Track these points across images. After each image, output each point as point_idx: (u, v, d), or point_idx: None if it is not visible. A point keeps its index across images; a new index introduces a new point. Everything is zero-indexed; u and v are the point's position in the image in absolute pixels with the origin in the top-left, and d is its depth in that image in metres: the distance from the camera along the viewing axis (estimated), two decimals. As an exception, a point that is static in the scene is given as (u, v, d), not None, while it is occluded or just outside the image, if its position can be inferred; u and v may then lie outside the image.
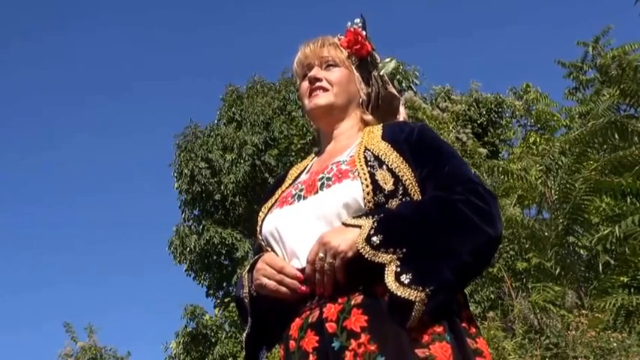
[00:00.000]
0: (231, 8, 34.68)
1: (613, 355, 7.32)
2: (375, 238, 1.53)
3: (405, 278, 1.49)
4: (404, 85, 15.92)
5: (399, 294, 1.49)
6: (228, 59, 33.70)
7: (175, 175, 16.69)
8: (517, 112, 16.04)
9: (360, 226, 1.57)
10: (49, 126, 33.07)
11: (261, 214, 1.85)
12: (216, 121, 17.63)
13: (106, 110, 32.55)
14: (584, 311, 8.35)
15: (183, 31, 34.93)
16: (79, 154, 32.41)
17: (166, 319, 36.89)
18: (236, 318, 15.03)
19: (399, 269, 1.51)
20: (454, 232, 1.56)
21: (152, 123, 33.12)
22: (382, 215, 1.59)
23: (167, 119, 31.42)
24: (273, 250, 1.75)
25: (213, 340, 15.07)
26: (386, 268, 1.52)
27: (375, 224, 1.56)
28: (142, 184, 32.63)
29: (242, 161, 16.29)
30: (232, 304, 14.90)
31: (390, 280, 1.50)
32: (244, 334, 1.82)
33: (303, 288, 1.64)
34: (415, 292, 1.48)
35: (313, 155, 1.98)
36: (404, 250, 1.52)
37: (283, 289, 1.65)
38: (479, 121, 15.47)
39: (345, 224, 1.61)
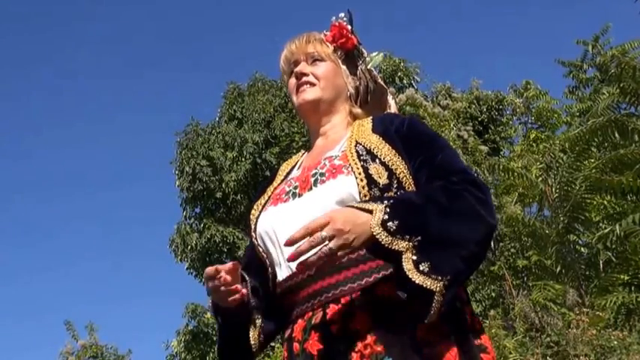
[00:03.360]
0: (232, 6, 34.67)
1: (613, 353, 7.34)
2: (391, 224, 1.45)
3: (424, 267, 1.44)
4: (405, 82, 15.92)
5: (418, 283, 1.43)
6: (230, 56, 33.69)
7: (176, 172, 16.68)
8: (517, 110, 16.04)
9: (370, 211, 1.48)
10: (51, 125, 33.05)
11: (254, 211, 1.83)
12: (217, 119, 17.63)
13: (106, 109, 32.57)
14: (584, 309, 8.37)
15: (184, 28, 34.93)
16: (80, 152, 32.42)
17: (167, 317, 36.98)
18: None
19: (415, 257, 1.44)
20: (464, 221, 1.52)
21: (153, 121, 33.12)
22: (392, 201, 1.52)
23: (168, 117, 31.41)
24: (267, 249, 1.74)
25: (214, 339, 15.06)
26: (403, 256, 1.45)
27: (388, 209, 1.47)
28: (143, 181, 32.62)
29: (243, 159, 16.29)
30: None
31: (409, 267, 1.44)
32: (216, 347, 1.82)
33: (241, 289, 1.64)
34: (435, 282, 1.43)
35: (303, 151, 1.97)
36: (419, 238, 1.46)
37: (226, 298, 1.65)
38: (479, 119, 15.47)
39: (354, 207, 1.51)
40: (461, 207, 1.53)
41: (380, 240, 1.45)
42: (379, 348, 1.49)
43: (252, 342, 1.75)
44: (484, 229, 1.54)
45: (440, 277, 1.43)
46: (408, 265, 1.44)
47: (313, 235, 1.43)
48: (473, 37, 34.71)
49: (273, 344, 13.24)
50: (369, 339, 1.51)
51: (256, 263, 1.79)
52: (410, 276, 1.43)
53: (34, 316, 29.58)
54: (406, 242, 1.45)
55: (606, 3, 30.69)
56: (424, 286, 1.43)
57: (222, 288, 1.63)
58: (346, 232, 1.44)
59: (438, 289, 1.43)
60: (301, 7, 35.38)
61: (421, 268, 1.44)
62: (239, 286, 1.66)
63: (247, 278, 1.75)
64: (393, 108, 2.01)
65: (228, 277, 1.64)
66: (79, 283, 31.15)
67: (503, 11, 33.80)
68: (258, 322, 1.76)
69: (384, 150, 1.68)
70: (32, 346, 27.77)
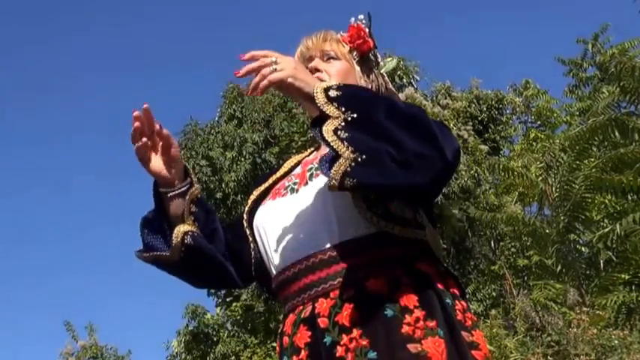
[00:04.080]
0: (231, 4, 34.68)
1: (614, 352, 7.34)
2: (332, 92, 1.50)
3: (343, 134, 1.43)
4: (404, 81, 15.88)
5: (329, 141, 1.42)
6: (229, 56, 33.60)
7: (176, 173, 16.67)
8: (517, 109, 16.04)
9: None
10: (49, 125, 33.06)
11: (252, 197, 1.86)
12: (216, 119, 17.61)
13: (106, 108, 32.57)
14: (585, 309, 8.38)
15: (183, 27, 34.93)
16: (78, 152, 32.42)
17: (167, 317, 36.81)
18: (238, 317, 15.03)
19: (340, 126, 1.44)
20: (411, 131, 1.46)
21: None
22: (352, 85, 1.60)
23: (167, 117, 31.29)
24: (262, 241, 1.75)
25: (214, 339, 15.06)
26: (328, 120, 1.46)
27: (340, 84, 1.55)
28: (142, 181, 32.48)
29: (243, 159, 16.27)
30: (234, 303, 14.89)
31: (327, 128, 1.44)
32: (142, 217, 1.78)
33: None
34: (345, 149, 1.40)
35: (312, 149, 1.97)
36: (354, 115, 1.46)
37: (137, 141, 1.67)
38: (479, 118, 15.45)
39: None
40: (416, 121, 1.49)
41: (316, 99, 1.48)
42: (364, 342, 1.49)
43: (173, 235, 1.72)
44: (434, 153, 1.45)
45: (353, 149, 1.40)
46: (327, 126, 1.45)
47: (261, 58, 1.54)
48: (472, 36, 34.69)
49: (274, 345, 13.24)
50: (355, 332, 1.51)
51: (244, 237, 1.82)
52: (324, 134, 1.43)
53: (34, 316, 29.57)
54: (339, 112, 1.46)
55: (606, 2, 30.69)
56: (332, 145, 1.42)
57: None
58: (294, 69, 1.54)
59: (346, 155, 1.39)
60: (301, 6, 35.38)
61: (339, 134, 1.43)
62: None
63: (193, 181, 1.77)
64: None
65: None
66: (79, 284, 31.12)
67: (503, 8, 33.78)
68: (189, 227, 1.73)
69: None
70: (32, 347, 27.73)
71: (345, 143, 1.41)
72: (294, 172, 1.85)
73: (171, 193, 1.73)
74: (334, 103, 1.47)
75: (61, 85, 33.72)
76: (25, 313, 28.93)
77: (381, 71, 1.97)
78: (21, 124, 32.76)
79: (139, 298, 30.45)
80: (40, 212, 32.64)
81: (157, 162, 1.71)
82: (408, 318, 1.50)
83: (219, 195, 16.31)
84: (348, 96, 1.50)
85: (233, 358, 14.31)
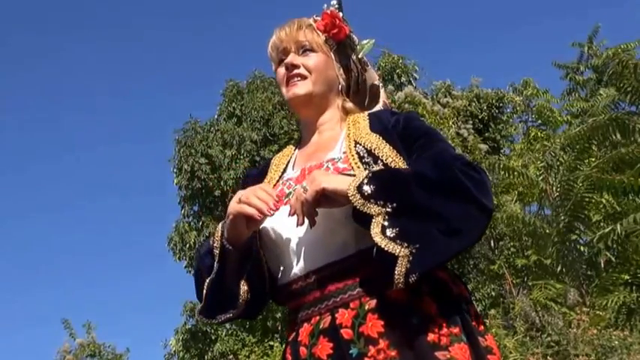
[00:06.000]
0: (231, 3, 34.64)
1: (614, 353, 7.33)
2: (366, 187, 1.48)
3: (391, 232, 1.44)
4: (403, 79, 15.87)
5: (382, 246, 1.43)
6: (229, 54, 33.62)
7: (175, 170, 16.62)
8: (518, 108, 16.02)
9: (354, 175, 1.53)
10: (47, 125, 33.02)
11: None
12: (216, 117, 17.59)
13: (106, 106, 32.54)
14: (585, 309, 8.37)
15: (183, 25, 34.90)
16: (77, 152, 32.39)
17: (166, 316, 36.77)
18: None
19: (386, 223, 1.45)
20: (448, 197, 1.48)
21: (152, 118, 33.07)
22: (378, 169, 1.57)
23: (167, 115, 31.35)
24: (269, 250, 1.70)
25: (212, 338, 15.04)
26: (373, 220, 1.46)
27: (370, 174, 1.51)
28: (141, 179, 32.55)
29: (242, 157, 16.25)
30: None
31: (375, 231, 1.45)
32: (208, 280, 1.70)
33: (272, 207, 1.57)
34: (399, 247, 1.42)
35: (293, 147, 1.92)
36: (394, 204, 1.46)
37: (248, 208, 1.57)
38: (480, 117, 15.43)
39: (344, 174, 1.58)
40: (448, 182, 1.51)
41: (353, 202, 1.48)
42: (393, 353, 1.47)
43: (240, 298, 1.68)
44: (474, 209, 1.49)
45: (406, 244, 1.43)
46: (375, 228, 1.45)
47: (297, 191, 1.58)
48: (472, 35, 34.66)
49: (272, 343, 13.22)
50: (382, 344, 1.48)
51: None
52: (374, 239, 1.44)
53: (32, 315, 29.54)
54: (379, 207, 1.46)
55: (602, 3, 30.68)
56: (386, 249, 1.43)
57: (255, 200, 1.57)
58: (321, 176, 1.54)
59: (402, 254, 1.42)
60: (301, 4, 35.31)
61: (388, 233, 1.44)
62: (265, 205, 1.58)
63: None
64: (382, 97, 1.98)
65: (274, 194, 1.61)
66: (77, 282, 31.10)
67: (502, 7, 33.76)
68: (247, 285, 1.69)
69: (385, 150, 1.66)
70: (30, 345, 27.71)
71: (398, 241, 1.44)
72: (288, 176, 1.80)
73: (231, 248, 1.67)
74: (371, 200, 1.48)
75: (58, 89, 33.67)
76: (23, 311, 28.94)
77: (359, 55, 1.92)
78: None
79: (138, 296, 30.43)
80: (39, 212, 32.62)
81: (244, 224, 1.64)
82: (432, 326, 1.49)
83: (217, 193, 16.29)
84: (381, 187, 1.49)
85: (231, 356, 14.29)
